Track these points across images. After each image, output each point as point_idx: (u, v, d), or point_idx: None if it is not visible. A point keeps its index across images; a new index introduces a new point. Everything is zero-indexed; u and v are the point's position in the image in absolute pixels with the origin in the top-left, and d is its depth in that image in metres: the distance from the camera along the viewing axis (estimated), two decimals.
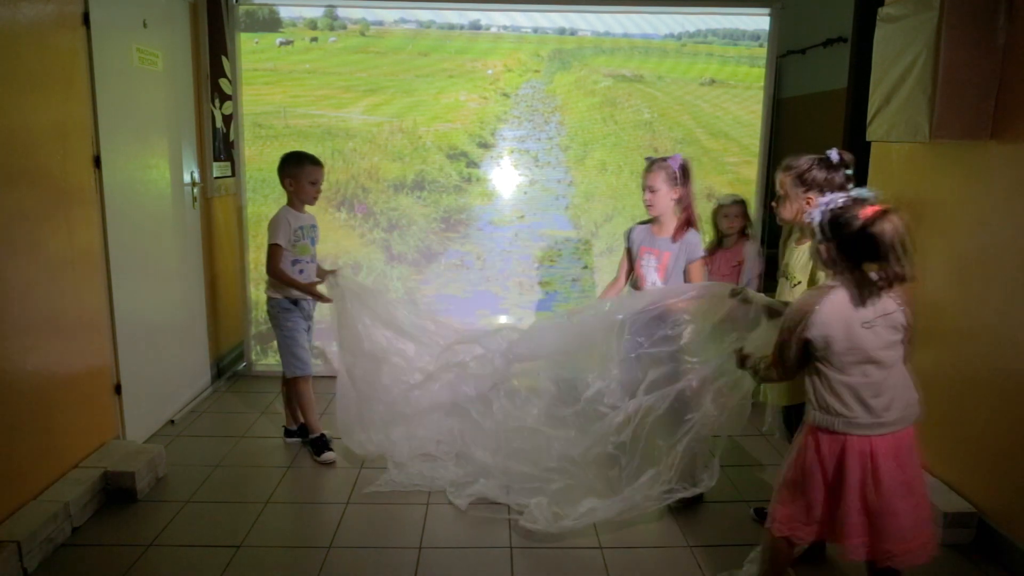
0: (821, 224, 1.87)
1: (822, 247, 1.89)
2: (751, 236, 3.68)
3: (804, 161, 2.32)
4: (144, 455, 2.97)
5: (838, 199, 1.87)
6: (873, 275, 1.86)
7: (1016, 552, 2.42)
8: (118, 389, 3.17)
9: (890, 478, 1.87)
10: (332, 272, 3.23)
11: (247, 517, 2.73)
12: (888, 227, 1.79)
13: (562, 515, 2.63)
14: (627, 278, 3.03)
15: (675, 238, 2.85)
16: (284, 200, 3.20)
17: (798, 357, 1.93)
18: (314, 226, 3.26)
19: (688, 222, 2.85)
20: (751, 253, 3.55)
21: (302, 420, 3.36)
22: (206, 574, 2.38)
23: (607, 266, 4.32)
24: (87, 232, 2.95)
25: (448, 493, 2.87)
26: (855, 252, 1.85)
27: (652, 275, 2.88)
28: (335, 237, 4.29)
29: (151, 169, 3.51)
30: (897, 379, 1.91)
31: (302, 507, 2.85)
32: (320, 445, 3.23)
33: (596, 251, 4.37)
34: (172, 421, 3.63)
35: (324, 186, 4.24)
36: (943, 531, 2.57)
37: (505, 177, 4.32)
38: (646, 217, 2.99)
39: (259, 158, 4.21)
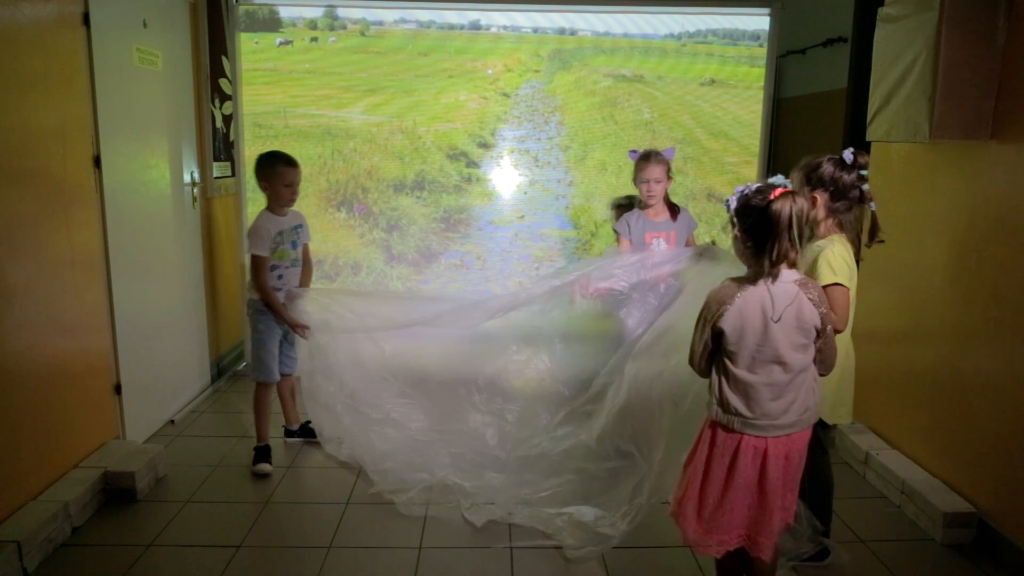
0: (735, 210, 1.88)
1: (734, 234, 1.89)
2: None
3: (815, 159, 2.28)
4: (144, 455, 2.96)
5: (751, 186, 1.88)
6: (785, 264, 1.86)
7: (1016, 552, 2.42)
8: (118, 389, 3.17)
9: (775, 476, 1.88)
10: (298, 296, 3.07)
11: (247, 517, 2.73)
12: (786, 207, 1.80)
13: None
14: None
15: (674, 218, 3.10)
16: None
17: (708, 349, 1.92)
18: (299, 227, 3.12)
19: (674, 204, 3.14)
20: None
21: (303, 419, 3.35)
22: (206, 574, 2.38)
23: None
24: (87, 232, 2.95)
25: (464, 510, 2.75)
26: (758, 234, 1.84)
27: None
28: (335, 237, 4.29)
29: (151, 169, 3.51)
30: (802, 383, 1.89)
31: (302, 507, 2.85)
32: (261, 454, 3.11)
33: (596, 251, 4.37)
34: (172, 421, 3.62)
35: (324, 186, 4.27)
36: (943, 531, 2.58)
37: (505, 177, 4.32)
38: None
39: None
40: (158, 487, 2.96)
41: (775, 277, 1.84)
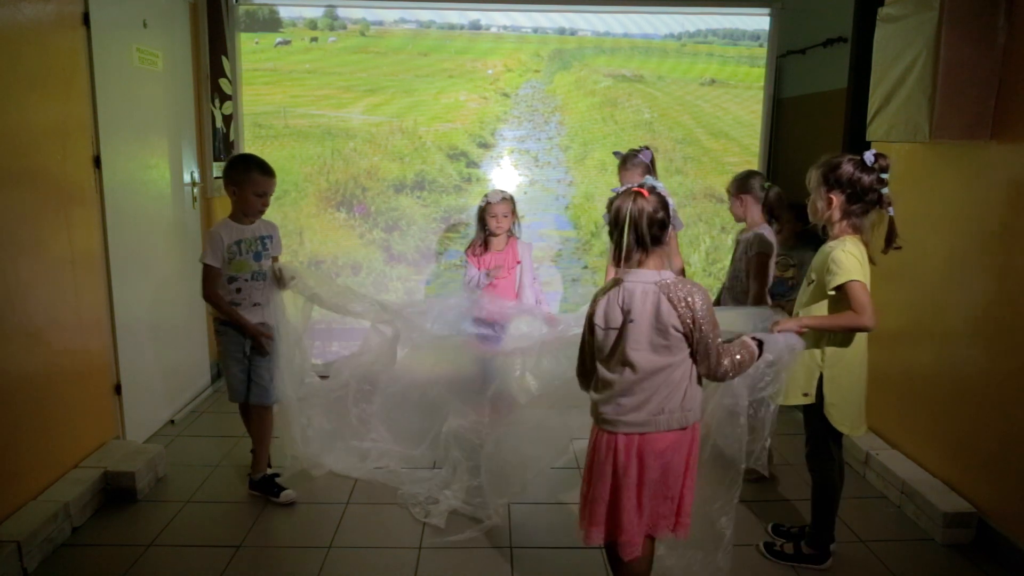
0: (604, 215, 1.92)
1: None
2: (519, 236, 3.46)
3: (836, 159, 2.22)
4: (144, 455, 2.97)
5: (618, 189, 1.90)
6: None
7: (1016, 552, 2.42)
8: (118, 389, 3.17)
9: (626, 475, 1.88)
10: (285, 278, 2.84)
11: (247, 517, 2.73)
12: (624, 206, 1.81)
13: None
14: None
15: None
16: (284, 199, 3.18)
17: (589, 351, 1.95)
18: (266, 237, 2.83)
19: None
20: (526, 253, 3.44)
21: (271, 470, 3.01)
22: (206, 574, 2.38)
23: (607, 266, 4.32)
24: (87, 232, 2.95)
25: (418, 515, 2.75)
26: (612, 234, 1.87)
27: None
28: (335, 237, 4.29)
29: (151, 169, 3.51)
30: (659, 384, 1.85)
31: (302, 507, 2.85)
32: (269, 484, 2.90)
33: (596, 251, 4.37)
34: (172, 421, 3.63)
35: (324, 186, 4.27)
36: (943, 531, 2.58)
37: (505, 177, 4.32)
38: None
39: None
40: (158, 487, 2.96)
41: (632, 276, 1.85)
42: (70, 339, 2.84)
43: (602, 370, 1.91)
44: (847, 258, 2.13)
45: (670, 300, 1.80)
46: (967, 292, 2.66)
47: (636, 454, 1.87)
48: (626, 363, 1.84)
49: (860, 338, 2.25)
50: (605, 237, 4.35)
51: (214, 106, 4.17)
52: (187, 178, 3.88)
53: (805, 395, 2.30)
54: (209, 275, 2.73)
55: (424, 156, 4.28)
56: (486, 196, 3.35)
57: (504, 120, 4.28)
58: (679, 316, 1.79)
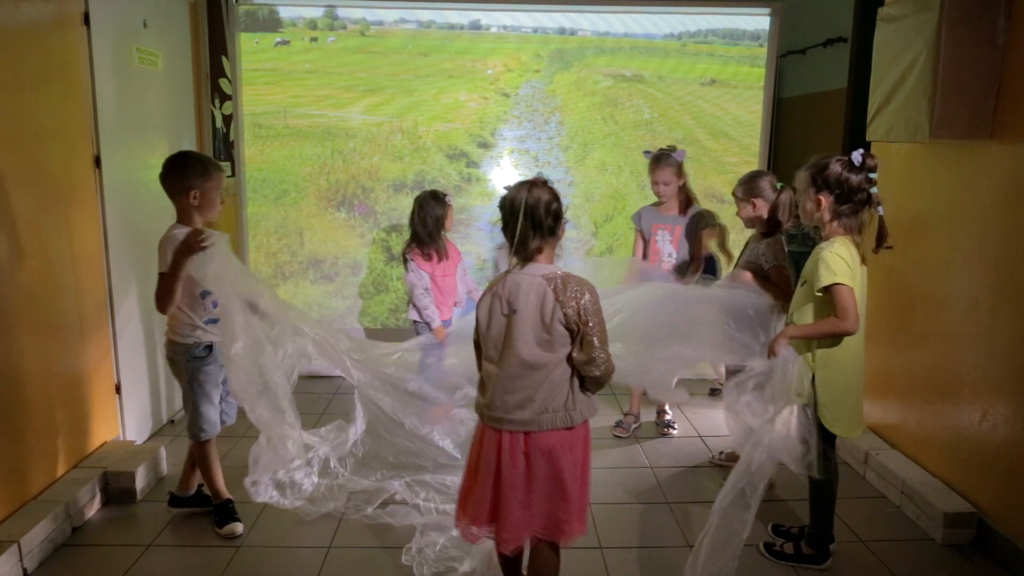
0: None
1: None
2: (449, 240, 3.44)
3: (824, 159, 2.22)
4: (144, 455, 2.97)
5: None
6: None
7: (1016, 552, 2.42)
8: (118, 389, 3.17)
9: (511, 473, 1.86)
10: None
11: (247, 517, 2.72)
12: (519, 196, 1.80)
13: None
14: (643, 254, 3.46)
15: (683, 213, 3.36)
16: (284, 199, 3.14)
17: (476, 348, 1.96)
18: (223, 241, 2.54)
19: (689, 199, 3.38)
20: (453, 248, 3.45)
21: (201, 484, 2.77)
22: (206, 574, 2.38)
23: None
24: (87, 232, 2.95)
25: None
26: (505, 226, 1.87)
27: (667, 247, 3.39)
28: (335, 237, 4.29)
29: (151, 169, 3.49)
30: (542, 381, 1.83)
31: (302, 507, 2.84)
32: (225, 512, 2.63)
33: (596, 251, 4.37)
34: (172, 421, 3.62)
35: (324, 186, 4.27)
36: (943, 531, 2.58)
37: (505, 177, 4.32)
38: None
39: (259, 158, 4.21)
40: (158, 487, 2.96)
41: (521, 268, 1.84)
42: (70, 339, 2.84)
43: (487, 365, 1.91)
44: (834, 260, 2.14)
45: (556, 294, 1.79)
46: (967, 292, 2.66)
47: (523, 451, 1.86)
48: (510, 356, 1.84)
49: (853, 340, 2.24)
50: (606, 237, 4.36)
51: (214, 106, 4.17)
52: None
53: (799, 395, 2.30)
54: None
55: (424, 156, 4.28)
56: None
57: (504, 120, 4.28)
58: (564, 312, 1.79)
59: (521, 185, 1.83)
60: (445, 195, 3.33)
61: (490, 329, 1.88)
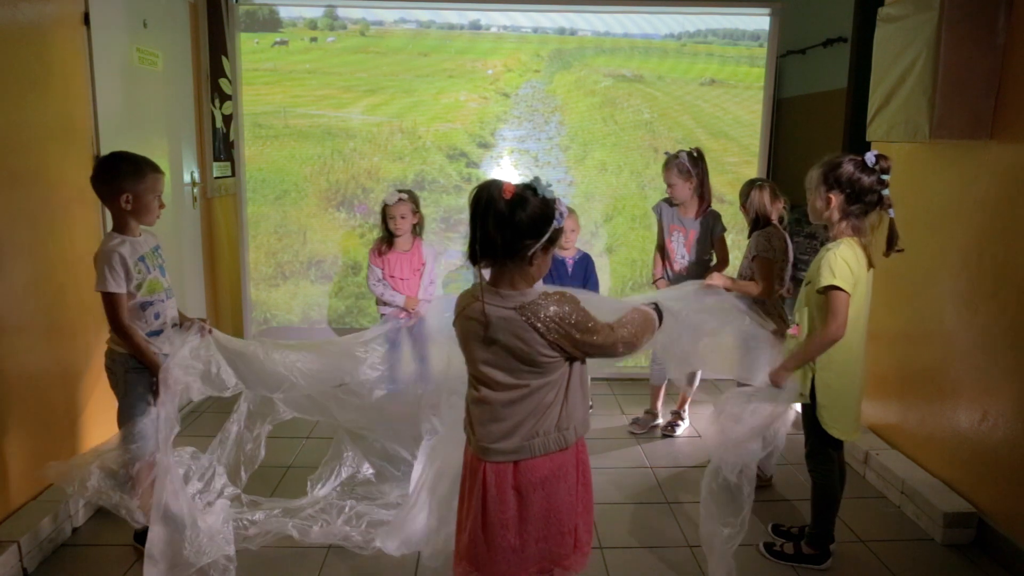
0: None
1: None
2: (422, 236, 3.45)
3: (837, 158, 2.20)
4: None
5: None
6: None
7: (1016, 552, 2.42)
8: None
9: (497, 508, 1.64)
10: (196, 323, 2.45)
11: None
12: (481, 195, 1.53)
13: None
14: (661, 245, 3.50)
15: (698, 216, 3.34)
16: (284, 199, 3.15)
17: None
18: (158, 247, 2.44)
19: (707, 202, 3.34)
20: (430, 256, 3.45)
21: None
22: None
23: (607, 266, 4.32)
24: (87, 232, 2.95)
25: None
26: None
27: (680, 249, 3.39)
28: (335, 237, 4.29)
29: None
30: (529, 407, 1.61)
31: None
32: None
33: (596, 251, 4.37)
34: None
35: (324, 186, 4.27)
36: (943, 531, 2.58)
37: (505, 177, 4.28)
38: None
39: (259, 158, 4.21)
40: None
41: (489, 297, 1.57)
42: (70, 339, 2.84)
43: (470, 389, 1.69)
44: (836, 263, 2.13)
45: (533, 327, 1.54)
46: (967, 292, 2.66)
47: (512, 487, 1.63)
48: (494, 385, 1.61)
49: (854, 342, 2.24)
50: (606, 237, 4.36)
51: (214, 106, 4.17)
52: (187, 178, 3.88)
53: (800, 395, 2.30)
54: (117, 304, 2.26)
55: (424, 156, 4.28)
56: (384, 198, 3.33)
57: (504, 120, 4.28)
58: (547, 340, 1.55)
59: (483, 185, 1.55)
60: (386, 196, 3.33)
61: (469, 352, 1.65)
